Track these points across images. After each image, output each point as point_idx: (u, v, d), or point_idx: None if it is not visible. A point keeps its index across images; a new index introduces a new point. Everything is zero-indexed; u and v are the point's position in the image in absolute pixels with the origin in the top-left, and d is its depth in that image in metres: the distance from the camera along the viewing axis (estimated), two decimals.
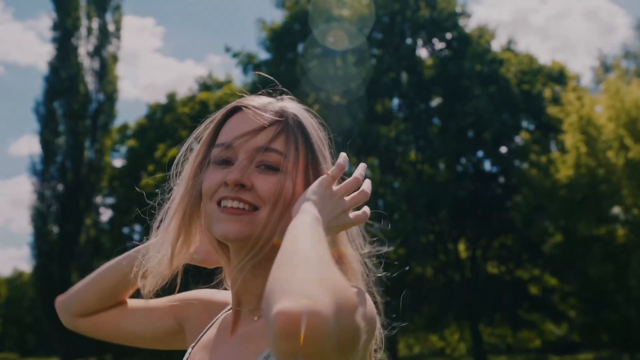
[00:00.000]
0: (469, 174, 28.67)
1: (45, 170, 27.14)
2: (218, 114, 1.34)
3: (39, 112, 27.44)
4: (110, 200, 33.36)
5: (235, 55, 29.78)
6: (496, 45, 30.25)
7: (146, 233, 1.48)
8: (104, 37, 28.46)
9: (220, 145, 1.28)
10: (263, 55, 40.38)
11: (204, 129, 1.35)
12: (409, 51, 28.38)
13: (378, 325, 1.19)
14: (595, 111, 21.07)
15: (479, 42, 28.25)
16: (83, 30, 28.24)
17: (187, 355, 1.41)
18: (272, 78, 1.41)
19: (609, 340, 23.43)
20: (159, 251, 1.36)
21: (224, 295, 1.50)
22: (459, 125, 26.92)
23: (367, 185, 1.29)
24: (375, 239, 1.40)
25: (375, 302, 1.20)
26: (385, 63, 27.55)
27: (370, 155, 27.71)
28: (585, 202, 20.99)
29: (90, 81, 28.10)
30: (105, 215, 33.01)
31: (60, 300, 1.60)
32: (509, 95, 27.43)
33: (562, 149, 22.94)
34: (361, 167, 1.31)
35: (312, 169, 1.28)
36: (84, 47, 28.22)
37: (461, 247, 29.89)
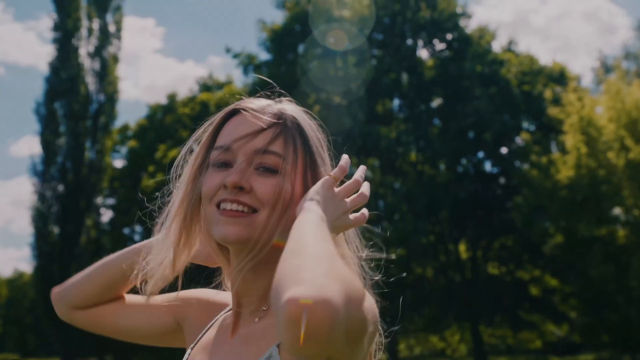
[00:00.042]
0: (469, 174, 28.66)
1: (45, 171, 27.15)
2: (217, 117, 1.34)
3: (39, 113, 27.46)
4: (110, 201, 33.40)
5: (235, 56, 29.79)
6: (497, 46, 30.30)
7: (147, 234, 1.49)
8: (105, 37, 28.47)
9: (219, 148, 1.29)
10: (263, 56, 40.38)
11: (203, 131, 1.36)
12: (410, 52, 28.38)
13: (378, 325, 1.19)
14: (596, 112, 21.07)
15: (479, 42, 28.25)
16: (84, 31, 28.25)
17: (186, 356, 1.41)
18: (270, 81, 1.42)
19: (610, 341, 23.42)
20: (160, 254, 1.36)
21: (224, 296, 1.50)
22: (459, 126, 26.92)
23: (365, 188, 1.30)
24: (371, 242, 1.40)
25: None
26: (386, 64, 27.56)
27: (370, 156, 27.72)
28: (586, 202, 20.99)
29: (90, 82, 28.11)
30: (106, 216, 33.06)
31: (57, 291, 1.60)
32: (509, 96, 27.43)
33: (563, 150, 22.94)
34: (361, 170, 1.32)
35: (311, 171, 1.29)
36: (85, 48, 28.24)
37: (462, 247, 29.89)
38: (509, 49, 30.21)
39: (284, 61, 28.59)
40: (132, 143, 34.13)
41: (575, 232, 20.91)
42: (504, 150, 28.60)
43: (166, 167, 1.42)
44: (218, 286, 1.51)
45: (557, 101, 24.98)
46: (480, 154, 28.89)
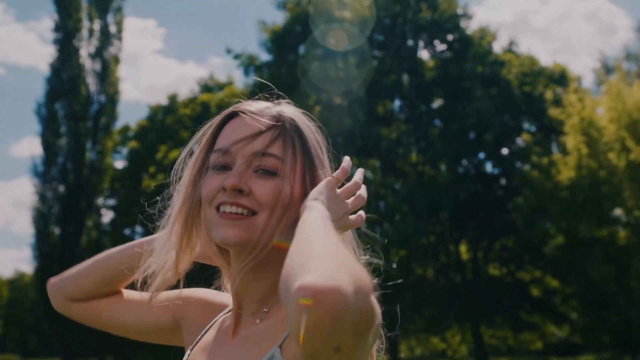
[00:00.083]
0: (470, 175, 28.66)
1: (46, 172, 27.16)
2: (216, 120, 1.35)
3: (40, 114, 27.47)
4: (111, 202, 33.40)
5: (236, 56, 29.80)
6: (497, 47, 30.27)
7: (148, 235, 1.49)
8: (106, 38, 28.48)
9: (218, 151, 1.29)
10: (264, 56, 40.32)
11: (202, 134, 1.36)
12: (410, 53, 28.38)
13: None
14: (597, 113, 21.07)
15: (480, 43, 28.26)
16: (84, 32, 28.27)
17: (186, 357, 1.42)
18: (269, 83, 1.42)
19: (611, 342, 23.41)
20: (161, 256, 1.36)
21: (223, 297, 1.51)
22: (460, 127, 26.92)
23: (363, 191, 1.30)
24: (369, 245, 1.41)
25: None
26: (387, 65, 27.57)
27: (371, 157, 27.72)
28: (587, 203, 20.98)
29: (91, 83, 28.12)
30: (107, 216, 33.07)
31: (54, 282, 1.60)
32: (510, 96, 27.43)
33: (564, 151, 22.94)
34: (360, 172, 1.33)
35: (310, 173, 1.29)
36: (86, 49, 28.26)
37: (462, 248, 29.89)
38: (509, 50, 30.21)
39: (284, 62, 28.60)
40: (132, 144, 34.14)
41: (576, 233, 20.91)
42: (504, 151, 28.60)
43: (167, 168, 1.43)
44: (218, 288, 1.51)
45: (557, 102, 24.97)
46: (481, 155, 28.90)
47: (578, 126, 20.80)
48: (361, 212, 1.31)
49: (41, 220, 26.77)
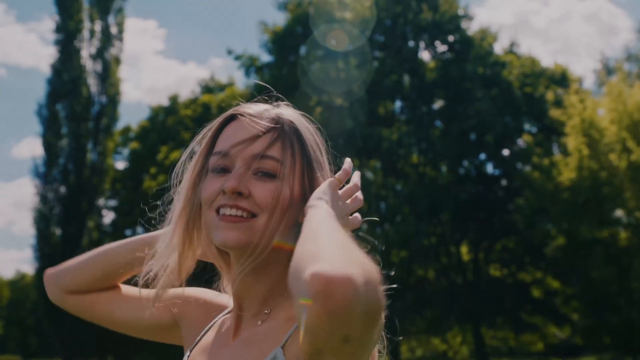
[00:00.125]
0: (471, 176, 28.65)
1: (47, 173, 27.17)
2: (215, 123, 1.35)
3: (41, 115, 27.48)
4: (112, 203, 33.42)
5: (237, 57, 29.81)
6: (498, 48, 30.26)
7: None
8: (107, 39, 28.49)
9: (218, 154, 1.30)
10: (265, 57, 40.32)
11: (202, 137, 1.37)
12: (411, 54, 28.39)
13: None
14: (598, 114, 21.06)
15: (481, 44, 28.26)
16: (85, 33, 28.28)
17: (185, 358, 1.42)
18: (268, 85, 1.42)
19: (612, 343, 23.39)
20: (163, 260, 1.36)
21: (223, 298, 1.51)
22: (461, 128, 26.92)
23: (359, 193, 1.32)
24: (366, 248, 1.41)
25: None
26: (388, 65, 27.57)
27: (372, 158, 27.71)
28: (588, 204, 20.97)
29: (92, 83, 28.13)
30: (108, 217, 33.09)
31: (51, 273, 1.60)
32: (511, 97, 27.43)
33: (565, 152, 22.93)
34: (357, 175, 1.33)
35: (309, 175, 1.30)
36: (87, 50, 28.27)
37: (463, 249, 29.88)
38: (510, 51, 30.21)
39: (285, 63, 28.61)
40: (133, 145, 34.16)
41: (577, 234, 20.90)
42: (505, 152, 28.59)
43: (168, 169, 1.43)
44: (219, 289, 1.51)
45: (558, 103, 24.96)
46: (482, 156, 28.89)
47: (579, 127, 20.80)
48: (357, 215, 1.32)
49: (42, 221, 26.78)
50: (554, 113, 23.03)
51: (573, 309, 25.29)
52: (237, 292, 1.33)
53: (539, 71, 29.27)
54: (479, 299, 27.43)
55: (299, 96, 25.46)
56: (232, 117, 1.34)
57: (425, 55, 29.17)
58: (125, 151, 35.12)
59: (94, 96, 28.09)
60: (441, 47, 28.80)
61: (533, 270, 28.62)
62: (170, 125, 32.09)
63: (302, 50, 28.46)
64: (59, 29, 27.92)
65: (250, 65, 29.71)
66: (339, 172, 1.29)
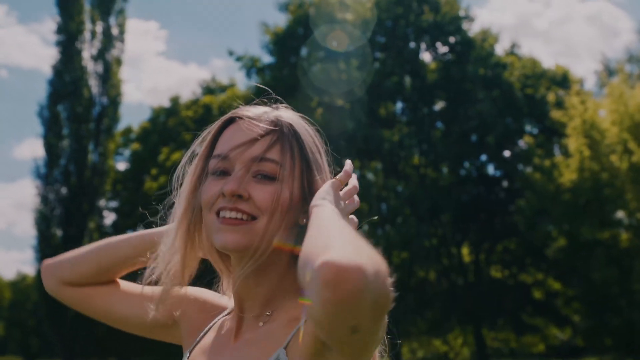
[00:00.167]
0: (472, 177, 28.64)
1: (48, 174, 27.16)
2: (214, 126, 1.36)
3: (42, 116, 27.47)
4: (113, 204, 33.44)
5: (238, 58, 29.83)
6: (499, 49, 30.25)
7: None
8: (108, 40, 28.49)
9: (217, 157, 1.30)
10: (266, 58, 40.36)
11: (202, 140, 1.37)
12: (412, 55, 28.39)
13: None
14: (599, 115, 21.05)
15: (482, 46, 28.25)
16: (87, 34, 28.27)
17: (185, 358, 1.42)
18: (267, 88, 1.43)
19: (613, 345, 23.37)
20: (166, 263, 1.37)
21: (222, 299, 1.51)
22: (462, 129, 26.92)
23: (356, 195, 1.34)
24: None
25: None
26: (389, 67, 27.57)
27: (373, 159, 27.72)
28: (589, 206, 20.96)
29: (94, 85, 28.12)
30: (109, 218, 33.10)
31: (49, 263, 1.60)
32: (512, 99, 27.42)
33: (566, 153, 22.92)
34: (355, 177, 1.34)
35: (308, 177, 1.30)
36: (88, 51, 28.25)
37: (464, 251, 29.86)
38: (511, 52, 30.21)
39: (286, 64, 28.62)
40: (135, 146, 34.18)
41: (578, 236, 20.89)
42: (506, 153, 28.58)
43: (169, 170, 1.43)
44: (218, 291, 1.52)
45: (560, 104, 24.95)
46: (483, 157, 28.88)
47: (580, 128, 20.79)
48: (353, 216, 1.33)
49: (43, 222, 26.76)
50: (555, 114, 23.02)
51: (574, 311, 25.27)
52: (238, 293, 1.34)
53: (540, 72, 29.26)
54: (480, 301, 27.42)
55: (300, 97, 25.47)
56: (231, 120, 1.34)
57: (426, 56, 29.21)
58: (127, 152, 35.16)
59: (95, 97, 28.09)
60: (442, 49, 28.81)
61: (534, 271, 28.61)
62: (172, 127, 32.10)
63: (303, 51, 28.47)
64: (60, 30, 27.91)
65: (251, 66, 29.73)
66: (340, 174, 1.30)
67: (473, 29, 29.10)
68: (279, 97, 1.40)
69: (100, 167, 27.79)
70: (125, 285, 1.57)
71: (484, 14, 71.12)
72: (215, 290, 1.52)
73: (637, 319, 19.82)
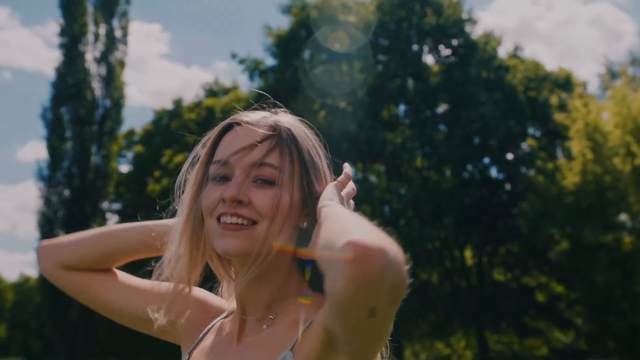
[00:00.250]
0: (475, 180, 28.62)
1: (51, 176, 27.20)
2: (214, 132, 1.37)
3: (46, 118, 27.52)
4: (116, 206, 33.48)
5: (241, 61, 29.85)
6: (502, 52, 30.24)
7: None
8: (111, 43, 28.54)
9: (217, 162, 1.31)
10: (269, 61, 40.44)
11: (202, 146, 1.38)
12: (415, 57, 28.39)
13: None
14: (602, 118, 21.02)
15: (485, 48, 28.24)
16: (90, 36, 28.32)
17: (185, 359, 1.42)
18: (265, 93, 1.44)
19: (616, 348, 23.31)
20: (172, 269, 1.37)
21: (221, 302, 1.52)
22: (465, 132, 26.90)
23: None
24: None
25: None
26: (391, 69, 27.58)
27: (376, 162, 27.72)
28: (592, 209, 20.93)
29: (97, 87, 28.17)
30: (112, 220, 33.07)
31: (47, 244, 1.58)
32: (515, 101, 27.40)
33: (569, 156, 22.89)
34: (351, 183, 1.36)
35: (308, 181, 1.32)
36: (91, 53, 28.31)
37: (467, 253, 29.82)
38: (514, 55, 30.20)
39: (289, 66, 28.63)
40: (138, 148, 34.22)
41: (581, 239, 20.85)
42: (509, 156, 28.55)
43: (172, 172, 1.44)
44: (218, 294, 1.52)
45: (562, 107, 24.92)
46: (486, 160, 28.85)
47: (583, 131, 20.76)
48: None
49: (46, 224, 26.80)
50: (558, 117, 22.99)
51: (577, 314, 25.22)
52: (241, 297, 1.34)
53: (543, 75, 29.23)
54: (483, 303, 27.39)
55: (303, 100, 25.50)
56: (231, 126, 1.35)
57: (429, 59, 29.19)
58: (130, 154, 35.18)
59: (98, 100, 28.14)
60: (445, 51, 28.80)
61: (537, 274, 28.56)
62: (174, 129, 32.12)
63: (306, 54, 28.48)
64: (63, 32, 27.97)
65: (254, 68, 29.75)
66: (342, 176, 1.32)
67: (476, 32, 29.12)
68: (277, 102, 1.41)
69: (103, 170, 27.83)
70: (124, 276, 1.56)
71: (486, 17, 71.08)
72: (216, 293, 1.52)
73: None
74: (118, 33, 28.86)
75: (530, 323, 29.45)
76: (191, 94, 72.58)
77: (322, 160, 1.37)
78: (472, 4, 51.92)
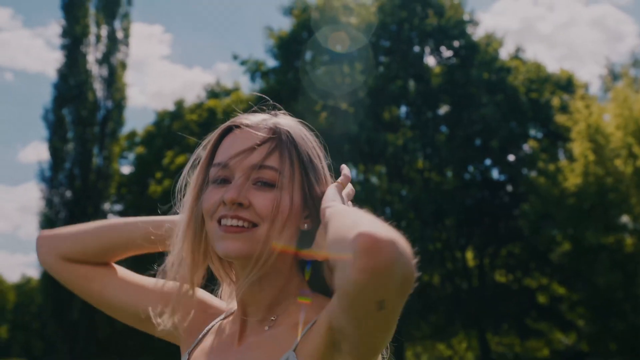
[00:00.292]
0: (476, 181, 28.60)
1: (53, 177, 27.24)
2: (214, 135, 1.38)
3: (47, 119, 27.56)
4: (118, 207, 33.48)
5: (243, 62, 29.86)
6: (504, 53, 30.22)
7: None
8: (113, 44, 28.58)
9: (217, 165, 1.32)
10: (271, 62, 40.46)
11: (202, 149, 1.39)
12: (417, 59, 28.39)
13: None
14: (604, 119, 21.02)
15: (486, 50, 28.23)
16: (92, 38, 28.37)
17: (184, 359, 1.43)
18: (265, 96, 1.45)
19: (618, 349, 23.30)
20: (175, 274, 1.37)
21: (220, 302, 1.52)
22: (466, 133, 26.89)
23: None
24: None
25: None
26: (393, 71, 27.57)
27: (377, 163, 27.71)
28: (593, 210, 20.91)
29: (98, 88, 28.22)
30: None
31: (47, 234, 1.56)
32: (516, 103, 27.39)
33: (570, 157, 22.88)
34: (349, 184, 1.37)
35: (308, 183, 1.32)
36: (93, 55, 28.36)
37: (468, 255, 29.80)
38: (516, 56, 30.18)
39: (291, 68, 28.64)
40: (139, 149, 34.24)
41: (583, 240, 20.84)
42: (511, 157, 28.53)
43: (173, 174, 1.45)
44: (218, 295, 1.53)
45: (564, 109, 24.92)
46: (487, 161, 28.83)
47: (585, 133, 20.75)
48: None
49: (48, 225, 26.80)
50: (560, 118, 22.99)
51: (579, 315, 25.21)
52: (243, 299, 1.35)
53: (544, 77, 29.22)
54: (484, 305, 27.37)
55: (304, 101, 25.51)
56: (230, 128, 1.36)
57: (430, 60, 29.19)
58: (131, 156, 35.21)
59: (100, 101, 28.17)
60: (446, 53, 28.80)
61: (538, 276, 28.54)
62: (176, 130, 32.14)
63: (308, 55, 28.49)
64: (65, 33, 28.01)
65: (255, 70, 29.76)
66: (341, 178, 1.33)
67: (477, 33, 29.11)
68: (276, 104, 1.42)
69: (105, 171, 27.86)
70: (123, 272, 1.55)
71: (488, 18, 71.01)
72: (215, 296, 1.53)
73: None
74: (120, 34, 28.91)
75: (531, 324, 29.42)
76: (193, 95, 72.62)
77: (322, 162, 1.38)
78: (474, 6, 52.09)
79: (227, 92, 35.34)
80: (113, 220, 1.56)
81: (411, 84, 28.19)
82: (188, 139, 29.42)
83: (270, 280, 1.31)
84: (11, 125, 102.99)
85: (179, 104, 34.52)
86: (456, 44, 28.35)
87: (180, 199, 1.40)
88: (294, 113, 1.44)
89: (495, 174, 29.06)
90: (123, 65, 28.85)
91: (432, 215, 25.75)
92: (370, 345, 1.07)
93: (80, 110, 27.44)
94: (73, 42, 27.94)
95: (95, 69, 28.26)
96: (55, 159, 27.27)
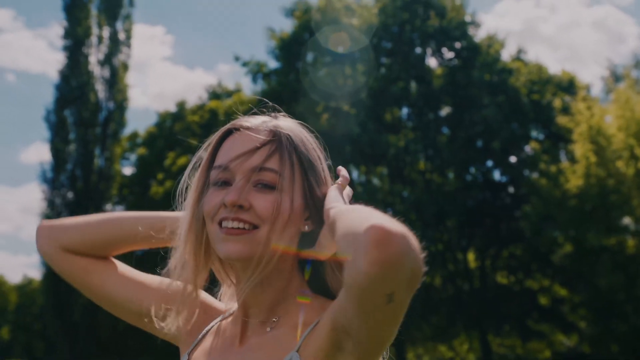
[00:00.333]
0: (478, 183, 28.58)
1: (55, 178, 27.25)
2: (214, 138, 1.38)
3: (49, 120, 27.58)
4: (119, 208, 33.45)
5: (244, 64, 29.88)
6: (505, 55, 30.19)
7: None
8: (115, 45, 28.60)
9: (218, 168, 1.32)
10: (272, 64, 40.43)
11: (203, 151, 1.39)
12: (418, 60, 28.38)
13: None
14: (605, 121, 21.00)
15: (488, 51, 28.22)
16: (94, 39, 28.40)
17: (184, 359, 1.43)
18: (264, 99, 1.45)
19: (619, 351, 23.27)
20: (178, 276, 1.37)
21: (219, 303, 1.52)
22: (468, 135, 26.88)
23: None
24: None
25: None
26: (394, 72, 27.57)
27: (379, 164, 27.71)
28: (595, 212, 20.89)
29: (100, 89, 28.24)
30: None
31: (48, 225, 1.54)
32: (518, 104, 27.37)
33: (572, 159, 22.86)
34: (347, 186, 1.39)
35: (309, 184, 1.33)
36: (95, 56, 28.38)
37: (470, 256, 29.78)
38: (517, 58, 30.15)
39: (292, 69, 28.65)
40: (141, 150, 34.25)
41: (584, 242, 20.81)
42: (512, 159, 28.51)
43: (175, 175, 1.45)
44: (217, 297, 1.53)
45: (566, 110, 24.90)
46: (489, 163, 28.81)
47: (586, 134, 20.74)
48: None
49: None
50: (562, 120, 22.97)
51: (580, 317, 25.18)
52: (244, 300, 1.35)
53: (546, 78, 29.20)
54: (486, 306, 27.34)
55: (306, 102, 25.51)
56: (231, 131, 1.36)
57: (432, 61, 29.18)
58: (133, 157, 35.22)
59: (102, 102, 28.20)
60: (448, 54, 28.79)
61: (540, 277, 28.51)
62: (178, 131, 32.16)
63: (309, 56, 28.50)
64: (67, 35, 28.04)
65: (257, 71, 29.77)
66: (340, 179, 1.34)
67: (479, 35, 29.10)
68: (277, 106, 1.42)
69: (107, 172, 27.88)
70: (123, 267, 1.55)
71: (489, 20, 70.99)
72: (215, 297, 1.53)
73: None
74: (121, 36, 28.93)
75: (533, 326, 29.38)
76: (194, 96, 72.63)
77: (322, 164, 1.38)
78: (475, 7, 52.05)
79: (229, 94, 35.35)
80: (116, 213, 1.56)
81: (413, 85, 28.18)
82: (190, 141, 29.47)
83: (271, 282, 1.32)
84: (13, 126, 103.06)
85: (181, 105, 34.53)
86: (458, 45, 28.34)
87: (182, 202, 1.41)
88: (295, 114, 1.44)
89: (496, 175, 29.06)
90: (125, 67, 28.87)
91: (433, 217, 25.75)
92: (377, 339, 1.08)
93: (82, 111, 27.46)
94: (75, 44, 27.97)
95: (97, 70, 28.29)
96: (57, 160, 27.28)
